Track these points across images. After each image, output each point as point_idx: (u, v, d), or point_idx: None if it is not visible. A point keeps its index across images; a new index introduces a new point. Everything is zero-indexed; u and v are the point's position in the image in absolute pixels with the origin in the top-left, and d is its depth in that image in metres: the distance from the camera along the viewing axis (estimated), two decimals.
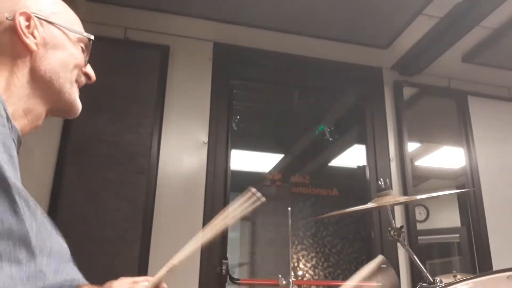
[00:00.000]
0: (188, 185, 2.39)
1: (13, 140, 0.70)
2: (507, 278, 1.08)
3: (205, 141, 2.48)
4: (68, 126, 2.27)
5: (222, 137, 2.55)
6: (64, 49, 0.79)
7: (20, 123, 0.73)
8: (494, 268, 2.59)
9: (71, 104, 0.81)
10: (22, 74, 0.73)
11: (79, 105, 0.83)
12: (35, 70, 0.74)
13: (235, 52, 2.73)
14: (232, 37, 2.68)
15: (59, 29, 0.79)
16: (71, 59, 0.79)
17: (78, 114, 0.85)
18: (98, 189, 2.21)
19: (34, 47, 0.74)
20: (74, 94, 0.81)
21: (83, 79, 0.84)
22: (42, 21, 0.76)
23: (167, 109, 2.47)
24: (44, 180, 2.18)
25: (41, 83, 0.75)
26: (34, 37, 0.74)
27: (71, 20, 0.83)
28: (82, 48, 0.83)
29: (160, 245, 2.20)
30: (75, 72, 0.81)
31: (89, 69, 0.85)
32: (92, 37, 0.85)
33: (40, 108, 0.77)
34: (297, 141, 4.43)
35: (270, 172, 4.37)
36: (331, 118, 3.89)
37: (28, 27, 0.74)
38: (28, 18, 0.75)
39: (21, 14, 0.74)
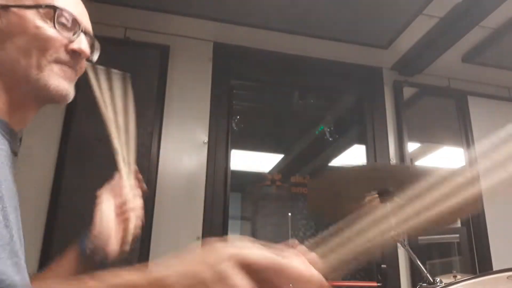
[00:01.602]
0: (188, 185, 2.39)
1: (1, 133, 0.70)
2: (507, 278, 1.08)
3: (205, 141, 2.48)
4: (68, 126, 2.27)
5: (222, 137, 2.55)
6: (23, 33, 0.72)
7: (7, 117, 0.72)
8: (494, 268, 2.59)
9: (46, 90, 0.73)
10: None
11: (58, 89, 0.74)
12: None
13: (235, 52, 2.73)
14: (232, 37, 2.68)
15: (18, 12, 0.72)
16: (34, 42, 0.72)
17: (67, 99, 0.76)
18: (98, 189, 2.20)
19: None
20: (46, 79, 0.72)
21: (65, 58, 0.75)
22: (0, 10, 0.72)
23: (167, 109, 2.47)
24: (44, 180, 2.18)
25: (7, 74, 0.72)
26: None
27: None
28: (63, 24, 0.75)
29: (160, 245, 2.20)
30: (50, 53, 0.73)
31: (76, 45, 0.76)
32: (56, 3, 0.75)
33: (18, 100, 0.73)
34: (297, 141, 4.43)
35: (270, 172, 4.38)
36: (331, 118, 3.89)
37: None
38: None
39: None
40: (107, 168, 2.45)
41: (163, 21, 2.55)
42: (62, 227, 2.10)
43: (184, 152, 2.45)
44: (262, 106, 3.93)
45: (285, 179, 3.62)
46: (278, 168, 4.51)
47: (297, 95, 3.53)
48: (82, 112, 2.27)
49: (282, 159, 4.62)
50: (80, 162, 2.24)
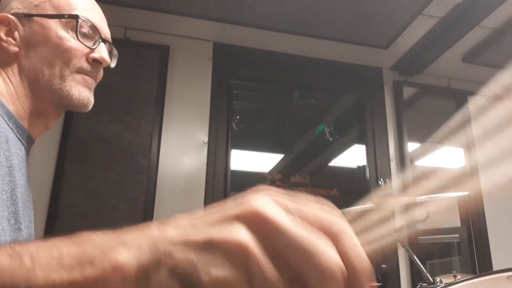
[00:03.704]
0: (188, 185, 2.39)
1: (18, 138, 0.70)
2: (507, 278, 1.08)
3: (205, 141, 2.48)
4: (68, 126, 2.27)
5: (222, 137, 2.55)
6: (46, 43, 0.73)
7: (26, 123, 0.73)
8: (494, 268, 2.59)
9: (69, 99, 0.75)
10: (12, 75, 0.72)
11: (81, 98, 0.76)
12: (22, 70, 0.73)
13: (235, 52, 2.73)
14: (232, 37, 2.68)
15: (41, 22, 0.74)
16: (57, 53, 0.73)
17: (87, 107, 0.78)
18: (98, 189, 2.21)
19: (13, 49, 0.73)
20: (68, 89, 0.74)
21: (86, 67, 0.77)
22: (22, 19, 0.74)
23: (167, 109, 2.47)
24: (44, 180, 2.18)
25: (31, 83, 0.73)
26: (14, 39, 0.73)
27: (61, 5, 0.76)
28: (84, 33, 0.77)
29: None
30: (73, 63, 0.75)
31: (97, 54, 0.78)
32: (78, 13, 0.76)
33: (41, 107, 0.75)
34: (297, 141, 4.43)
35: (270, 172, 4.37)
36: (331, 118, 3.89)
37: (9, 30, 0.73)
38: (7, 22, 0.73)
39: (0, 18, 0.73)
40: (107, 168, 2.46)
41: (163, 21, 2.55)
42: (62, 227, 2.10)
43: (184, 152, 2.45)
44: (262, 106, 3.93)
45: (285, 179, 3.61)
46: (278, 168, 4.51)
47: (297, 95, 3.53)
48: (82, 112, 2.27)
49: (282, 159, 4.62)
50: (80, 162, 2.24)
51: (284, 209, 0.28)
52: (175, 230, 0.30)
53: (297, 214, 0.28)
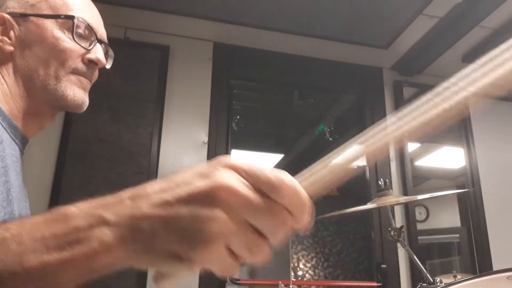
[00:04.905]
0: None
1: (12, 138, 0.70)
2: (507, 278, 1.08)
3: (205, 141, 2.48)
4: (68, 126, 2.27)
5: (222, 137, 2.55)
6: (42, 44, 0.73)
7: (20, 123, 0.73)
8: (494, 268, 2.59)
9: (64, 100, 0.74)
10: (6, 74, 0.72)
11: (75, 99, 0.75)
12: (17, 70, 0.72)
13: (235, 52, 2.73)
14: (232, 37, 2.68)
15: (36, 22, 0.73)
16: (53, 53, 0.73)
17: (82, 108, 0.78)
18: (98, 189, 2.20)
19: (8, 48, 0.72)
20: (63, 89, 0.74)
21: (82, 68, 0.76)
22: (18, 18, 0.74)
23: (167, 109, 2.47)
24: (44, 180, 2.18)
25: (25, 82, 0.73)
26: (10, 38, 0.73)
27: (58, 5, 0.75)
28: (80, 34, 0.76)
29: None
30: (69, 64, 0.74)
31: (92, 55, 0.77)
32: (74, 13, 0.75)
33: (35, 107, 0.74)
34: (297, 141, 4.43)
35: None
36: (331, 118, 3.89)
37: (4, 29, 0.73)
38: (3, 21, 0.73)
39: None
40: (107, 168, 2.46)
41: (163, 21, 2.55)
42: None
43: (184, 152, 2.45)
44: (262, 106, 3.93)
45: None
46: (278, 168, 4.51)
47: (297, 95, 3.53)
48: (82, 112, 2.27)
49: (282, 159, 4.63)
50: (80, 162, 2.24)
51: (241, 173, 0.34)
52: (151, 205, 0.33)
53: (251, 175, 0.34)
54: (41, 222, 0.35)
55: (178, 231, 0.32)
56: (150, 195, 0.34)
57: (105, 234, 0.33)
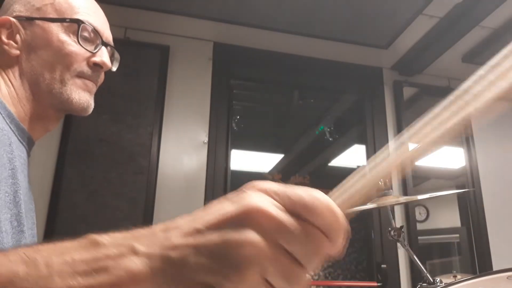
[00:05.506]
0: (188, 185, 2.39)
1: (20, 140, 0.71)
2: (507, 278, 1.08)
3: (205, 141, 2.48)
4: (68, 126, 2.27)
5: (222, 137, 2.55)
6: (48, 47, 0.73)
7: (27, 126, 0.73)
8: (494, 268, 2.59)
9: (69, 103, 0.75)
10: (13, 78, 0.73)
11: (81, 102, 0.76)
12: (23, 73, 0.73)
13: (235, 52, 2.73)
14: (232, 37, 2.68)
15: (42, 25, 0.74)
16: (58, 57, 0.73)
17: (88, 111, 0.79)
18: (98, 189, 2.21)
19: (15, 52, 0.73)
20: (69, 93, 0.74)
21: (87, 71, 0.76)
22: (24, 22, 0.74)
23: (167, 109, 2.47)
24: (44, 180, 2.18)
25: (31, 86, 0.73)
26: (16, 42, 0.73)
27: (63, 8, 0.75)
28: (86, 37, 0.76)
29: None
30: (74, 68, 0.74)
31: (97, 58, 0.77)
32: (80, 17, 0.76)
33: (41, 110, 0.75)
34: (297, 141, 4.43)
35: (270, 172, 4.38)
36: (331, 118, 3.89)
37: (10, 33, 0.73)
38: (9, 24, 0.73)
39: (1, 21, 0.73)
40: (107, 168, 2.46)
41: (163, 21, 2.55)
42: (62, 228, 2.10)
43: (184, 152, 2.45)
44: (262, 106, 3.94)
45: (285, 179, 3.62)
46: (278, 168, 4.52)
47: (297, 95, 3.53)
48: None
49: (282, 159, 4.62)
50: (80, 162, 2.24)
51: (272, 195, 0.33)
52: (181, 234, 0.32)
53: (282, 196, 0.33)
54: (72, 246, 0.34)
55: (209, 258, 0.31)
56: (181, 225, 0.33)
57: (134, 264, 0.32)
